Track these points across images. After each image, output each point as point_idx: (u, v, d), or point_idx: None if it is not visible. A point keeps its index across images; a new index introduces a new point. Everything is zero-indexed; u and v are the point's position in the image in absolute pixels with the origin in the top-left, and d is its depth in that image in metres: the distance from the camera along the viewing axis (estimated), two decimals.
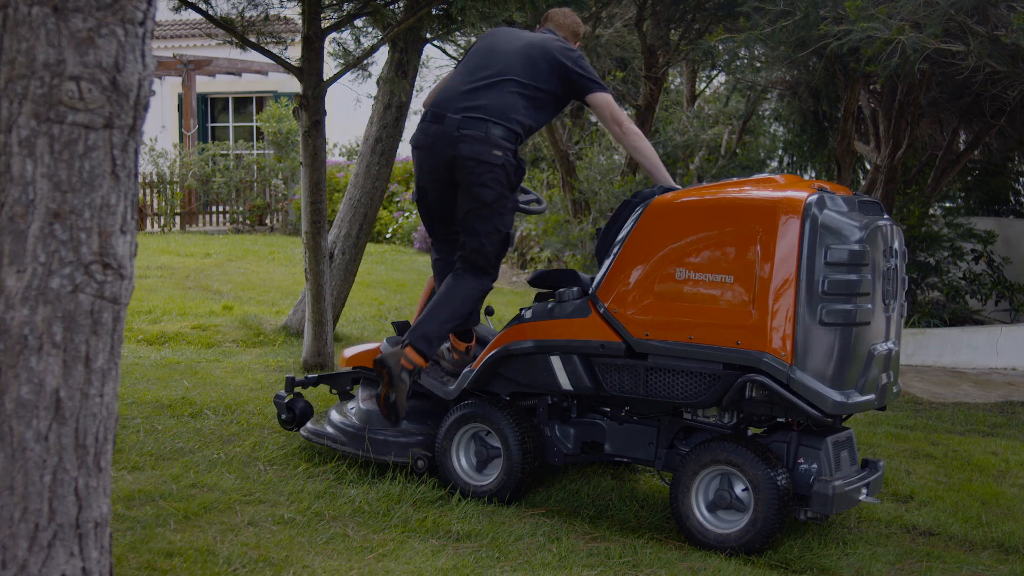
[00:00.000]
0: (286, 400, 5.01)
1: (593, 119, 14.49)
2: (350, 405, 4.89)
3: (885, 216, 4.20)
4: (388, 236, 16.12)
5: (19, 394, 2.28)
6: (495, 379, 4.51)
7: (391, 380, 4.27)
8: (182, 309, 8.72)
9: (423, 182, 4.51)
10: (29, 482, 2.29)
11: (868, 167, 12.23)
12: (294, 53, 6.83)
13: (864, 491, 4.10)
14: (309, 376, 5.16)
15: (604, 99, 4.44)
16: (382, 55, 7.62)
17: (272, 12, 7.05)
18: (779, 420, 4.19)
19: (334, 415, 4.83)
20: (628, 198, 4.33)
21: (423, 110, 4.52)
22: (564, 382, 4.28)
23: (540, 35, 4.61)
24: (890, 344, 4.18)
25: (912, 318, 10.10)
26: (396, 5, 6.84)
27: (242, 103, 21.59)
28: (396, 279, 11.84)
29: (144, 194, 16.46)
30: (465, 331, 4.72)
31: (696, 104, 14.41)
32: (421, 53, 7.53)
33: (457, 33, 8.47)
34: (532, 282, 4.63)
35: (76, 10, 2.24)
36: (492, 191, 4.33)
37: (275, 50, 6.76)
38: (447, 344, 4.75)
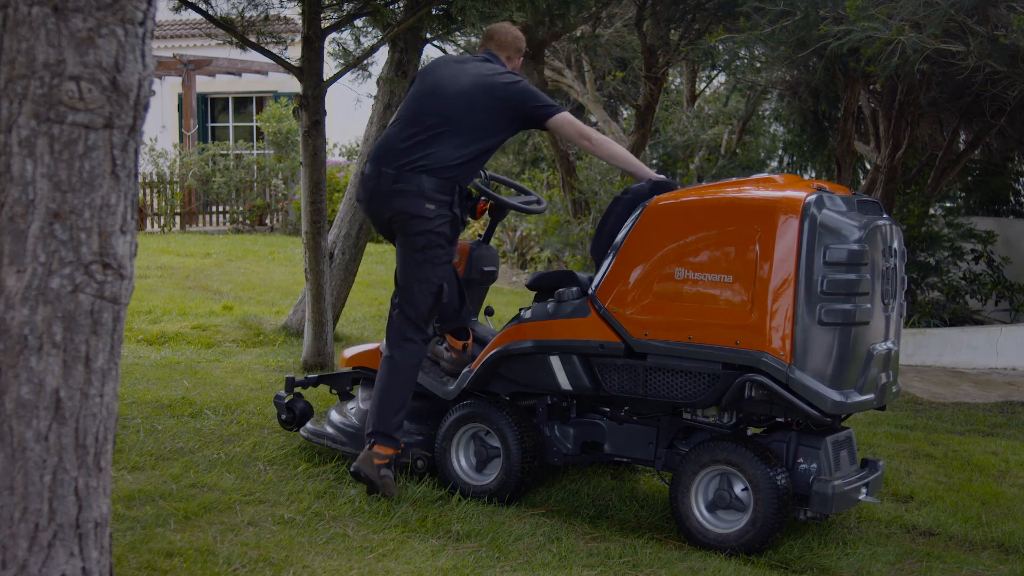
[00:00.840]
0: (286, 400, 5.01)
1: (593, 119, 14.49)
2: (350, 405, 4.89)
3: (884, 216, 4.20)
4: None
5: (19, 394, 2.28)
6: (495, 379, 4.52)
7: (373, 483, 4.20)
8: (182, 309, 8.72)
9: (376, 229, 4.58)
10: (29, 482, 2.29)
11: (868, 167, 12.23)
12: (294, 53, 6.84)
13: (864, 491, 4.10)
14: (309, 376, 5.16)
15: (564, 119, 4.34)
16: (382, 55, 7.62)
17: (272, 12, 7.06)
18: (778, 420, 4.19)
19: (334, 415, 4.83)
20: (619, 194, 4.33)
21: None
22: (563, 382, 4.28)
23: (483, 69, 4.42)
24: (889, 344, 4.18)
25: (912, 318, 10.10)
26: (396, 5, 6.85)
27: (242, 103, 21.60)
28: None
29: (144, 194, 16.46)
30: (461, 328, 4.71)
31: (696, 104, 14.42)
32: (421, 53, 7.54)
33: (457, 33, 8.48)
34: (530, 285, 4.63)
35: (76, 10, 2.24)
36: (424, 238, 4.29)
37: (275, 50, 6.76)
38: (444, 344, 4.74)
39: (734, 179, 4.48)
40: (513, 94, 4.35)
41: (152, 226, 16.68)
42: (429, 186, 4.26)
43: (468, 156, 4.32)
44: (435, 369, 4.75)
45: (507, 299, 10.93)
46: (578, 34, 10.85)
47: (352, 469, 4.25)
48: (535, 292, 4.62)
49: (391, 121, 4.51)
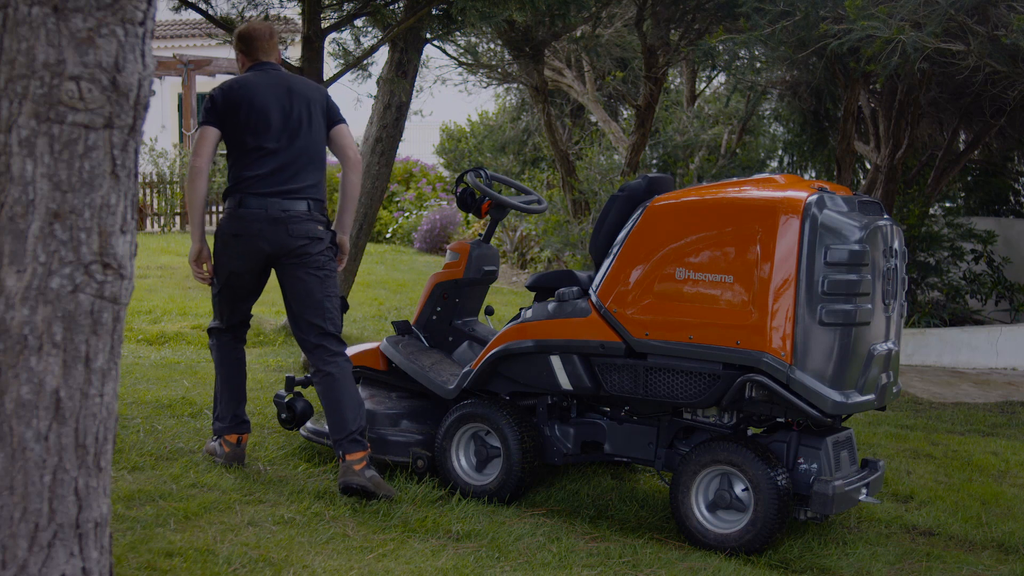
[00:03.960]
0: (286, 400, 5.00)
1: (593, 119, 14.48)
2: None
3: (885, 216, 4.20)
4: (388, 236, 16.12)
5: (19, 394, 2.28)
6: (495, 378, 4.52)
7: (367, 488, 4.19)
8: (182, 309, 8.72)
9: (241, 268, 4.45)
10: (29, 482, 2.29)
11: (868, 167, 12.23)
12: (294, 53, 6.84)
13: (864, 491, 4.10)
14: (309, 376, 5.16)
15: (346, 129, 4.60)
16: (382, 55, 7.63)
17: (272, 12, 7.07)
18: (779, 420, 4.19)
19: None
20: (615, 192, 4.34)
21: (203, 166, 4.42)
22: (564, 382, 4.28)
23: (298, 84, 4.52)
24: (890, 344, 4.18)
25: (912, 318, 10.10)
26: (396, 5, 6.85)
27: None
28: (396, 279, 11.84)
29: (144, 194, 16.45)
30: (244, 422, 4.61)
31: (696, 104, 14.41)
32: (421, 53, 7.54)
33: (457, 33, 8.47)
34: (530, 287, 4.62)
35: (76, 10, 2.24)
36: (323, 256, 4.42)
37: None
38: (216, 439, 4.62)
39: (734, 179, 4.48)
40: (329, 102, 4.59)
41: (152, 226, 16.67)
42: (315, 209, 4.43)
43: (322, 168, 4.52)
44: (436, 367, 4.75)
45: (507, 299, 10.93)
46: (578, 34, 10.84)
47: (341, 485, 4.22)
48: (535, 293, 4.62)
49: (232, 153, 4.47)
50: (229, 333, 4.64)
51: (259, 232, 4.35)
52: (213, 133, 4.44)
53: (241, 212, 4.37)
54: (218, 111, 4.43)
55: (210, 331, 4.67)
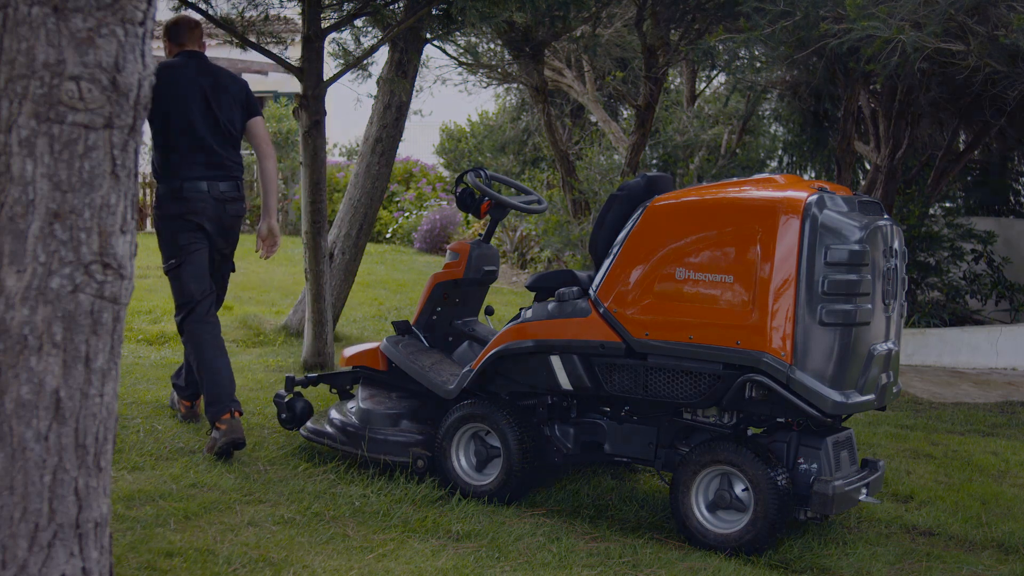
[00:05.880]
0: (286, 400, 5.01)
1: (593, 119, 14.48)
2: (350, 404, 4.89)
3: (885, 216, 4.20)
4: (388, 236, 16.12)
5: (19, 394, 2.28)
6: (495, 378, 4.52)
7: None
8: None
9: (191, 239, 4.80)
10: (29, 482, 2.29)
11: (868, 167, 12.23)
12: (294, 53, 6.83)
13: (864, 491, 4.10)
14: (309, 376, 5.16)
15: (262, 121, 5.04)
16: (382, 55, 7.63)
17: (272, 12, 7.06)
18: (779, 420, 4.19)
19: (334, 414, 4.84)
20: (615, 192, 4.34)
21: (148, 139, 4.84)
22: (564, 382, 4.28)
23: (219, 73, 4.90)
24: (890, 344, 4.18)
25: (912, 318, 10.10)
26: (396, 5, 6.84)
27: None
28: (396, 279, 11.84)
29: (144, 194, 16.45)
30: (232, 400, 4.72)
31: (696, 104, 14.41)
32: (421, 53, 7.54)
33: (457, 33, 8.47)
34: (530, 287, 4.62)
35: (76, 10, 2.24)
36: (237, 239, 4.99)
37: (275, 50, 6.76)
38: (177, 396, 5.06)
39: (734, 179, 4.48)
40: (249, 94, 5.00)
41: (152, 226, 16.66)
42: (240, 188, 4.91)
43: (240, 151, 4.93)
44: (436, 367, 4.75)
45: (507, 299, 10.93)
46: (578, 34, 10.84)
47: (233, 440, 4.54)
48: (535, 293, 4.62)
49: (161, 137, 4.79)
50: (200, 312, 4.80)
51: (202, 210, 4.73)
52: None
53: (184, 195, 4.71)
54: None
55: (180, 325, 4.88)
